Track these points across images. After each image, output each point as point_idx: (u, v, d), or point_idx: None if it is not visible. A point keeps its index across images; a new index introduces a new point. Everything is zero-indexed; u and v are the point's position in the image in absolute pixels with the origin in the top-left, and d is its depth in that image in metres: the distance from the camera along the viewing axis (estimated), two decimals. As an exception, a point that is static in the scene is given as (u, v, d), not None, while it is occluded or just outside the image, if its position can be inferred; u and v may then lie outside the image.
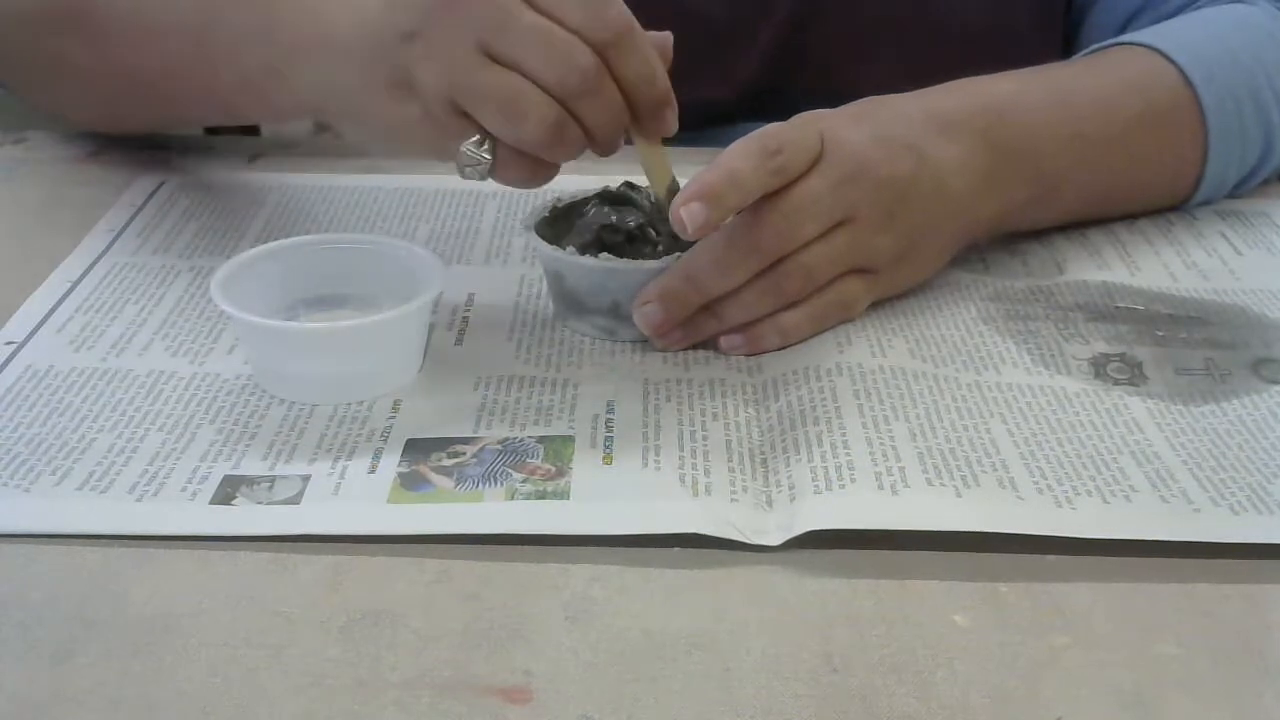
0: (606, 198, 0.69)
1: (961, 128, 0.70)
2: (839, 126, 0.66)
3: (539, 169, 0.62)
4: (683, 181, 0.63)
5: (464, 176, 0.61)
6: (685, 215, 0.61)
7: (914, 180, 0.67)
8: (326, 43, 0.64)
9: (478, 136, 0.60)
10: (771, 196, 0.63)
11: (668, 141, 0.64)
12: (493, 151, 0.61)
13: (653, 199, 0.67)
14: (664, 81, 0.61)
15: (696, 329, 0.66)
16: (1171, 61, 0.78)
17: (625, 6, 0.59)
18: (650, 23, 0.61)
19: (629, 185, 0.69)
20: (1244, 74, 0.79)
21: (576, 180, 0.70)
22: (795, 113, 0.67)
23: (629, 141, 0.64)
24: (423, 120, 0.61)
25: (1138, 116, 0.77)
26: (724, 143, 0.64)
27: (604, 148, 0.62)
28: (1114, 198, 0.79)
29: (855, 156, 0.65)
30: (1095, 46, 0.82)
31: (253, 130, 1.18)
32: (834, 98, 0.70)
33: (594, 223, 0.67)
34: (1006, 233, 0.76)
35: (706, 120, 0.93)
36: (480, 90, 0.59)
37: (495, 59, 0.58)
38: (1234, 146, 0.79)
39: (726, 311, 0.65)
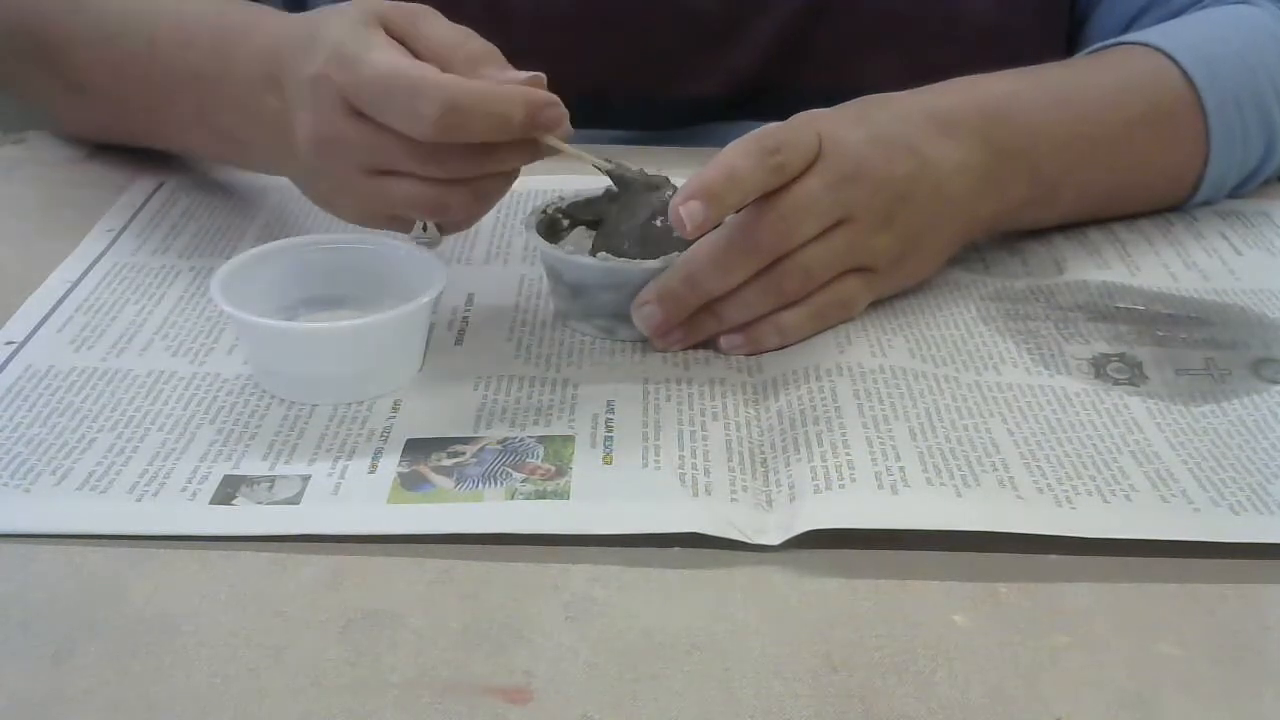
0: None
1: (960, 127, 0.70)
2: (837, 126, 0.66)
3: (478, 208, 0.64)
4: (681, 183, 0.63)
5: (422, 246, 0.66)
6: (684, 214, 0.61)
7: (913, 180, 0.67)
8: (279, 162, 0.69)
9: (415, 222, 0.65)
10: (770, 196, 0.63)
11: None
12: (436, 226, 0.65)
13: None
14: (517, 109, 0.60)
15: (696, 329, 0.66)
16: (1174, 61, 0.77)
17: (442, 94, 0.58)
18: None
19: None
20: (1246, 75, 0.79)
21: (577, 180, 0.70)
22: (791, 110, 0.67)
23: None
24: (365, 224, 0.66)
25: (1139, 116, 0.77)
26: (718, 139, 0.64)
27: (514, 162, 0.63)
28: (1114, 198, 0.79)
29: (854, 156, 0.65)
30: (1097, 46, 0.82)
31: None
32: (832, 96, 0.70)
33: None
34: (1006, 232, 0.76)
35: (700, 116, 0.93)
36: (388, 204, 0.63)
37: (379, 171, 0.62)
38: (1235, 148, 0.79)
39: (726, 311, 0.65)
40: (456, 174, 0.61)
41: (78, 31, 0.79)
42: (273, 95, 0.65)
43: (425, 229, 0.64)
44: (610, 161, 0.67)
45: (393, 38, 0.61)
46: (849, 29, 0.91)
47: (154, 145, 0.83)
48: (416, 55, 0.61)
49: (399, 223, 0.65)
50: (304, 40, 0.63)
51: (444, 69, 0.60)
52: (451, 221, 0.65)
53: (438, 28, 0.63)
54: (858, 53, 0.90)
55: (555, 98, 0.61)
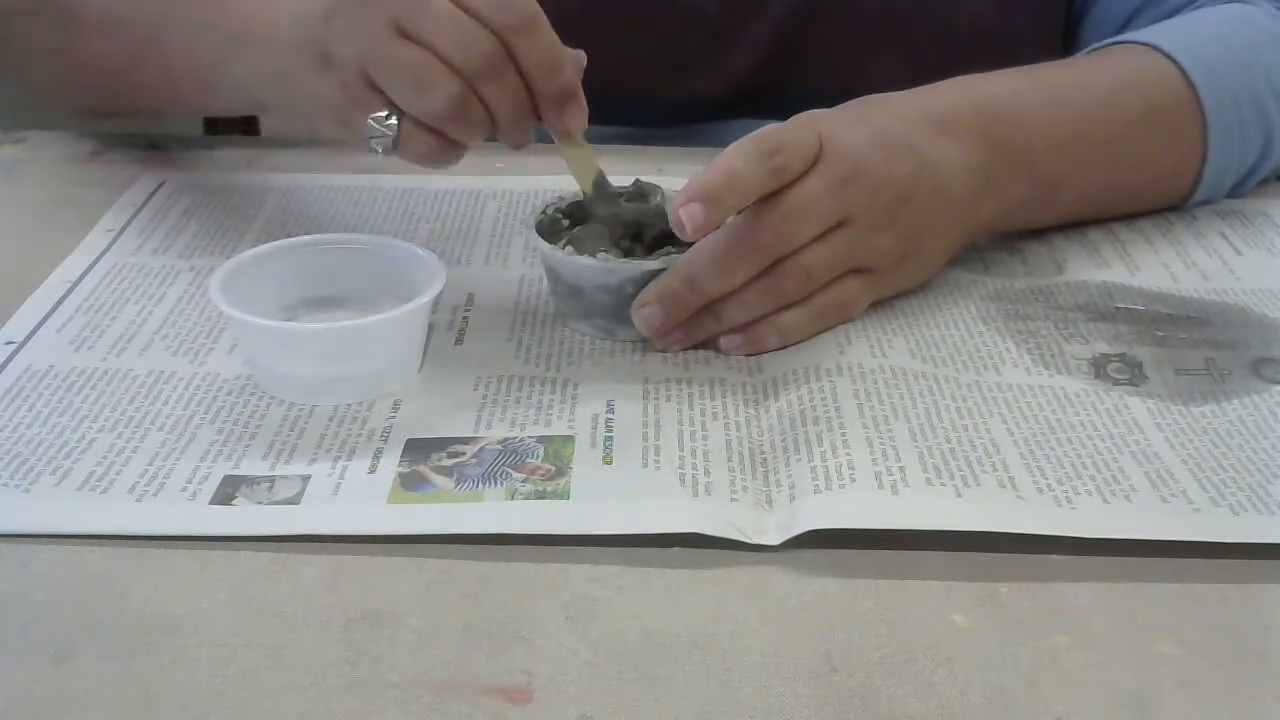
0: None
1: (959, 127, 0.70)
2: (837, 127, 0.66)
3: (444, 146, 0.63)
4: (678, 182, 0.63)
5: (370, 150, 0.63)
6: (684, 216, 0.61)
7: (913, 180, 0.67)
8: (265, 32, 0.69)
9: (385, 111, 0.62)
10: (770, 197, 0.63)
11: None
12: (398, 125, 0.63)
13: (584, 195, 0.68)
14: (568, 76, 0.62)
15: (696, 330, 0.66)
16: (1172, 61, 0.77)
17: (534, 2, 0.61)
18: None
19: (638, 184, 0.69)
20: (1244, 74, 0.79)
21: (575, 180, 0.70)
22: (790, 110, 0.67)
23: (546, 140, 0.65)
24: (340, 91, 0.63)
25: (1138, 116, 0.77)
26: (716, 139, 0.65)
27: (508, 134, 0.64)
28: (1113, 197, 0.79)
29: (854, 157, 0.65)
30: (1096, 45, 0.82)
31: (253, 130, 1.18)
32: (830, 96, 0.70)
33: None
34: (1006, 232, 0.76)
35: (699, 116, 0.93)
36: (390, 62, 0.61)
37: (406, 36, 0.61)
38: (1233, 147, 0.79)
39: (726, 312, 0.65)
40: (474, 70, 0.61)
41: None
42: None
43: (388, 117, 0.62)
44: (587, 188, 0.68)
45: None
46: (847, 29, 0.91)
47: (136, 81, 0.80)
48: None
49: (364, 111, 0.63)
50: None
51: None
52: (418, 139, 0.63)
53: None
54: (856, 53, 0.90)
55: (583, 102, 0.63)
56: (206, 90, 0.75)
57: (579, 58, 0.64)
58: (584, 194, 0.67)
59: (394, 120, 0.62)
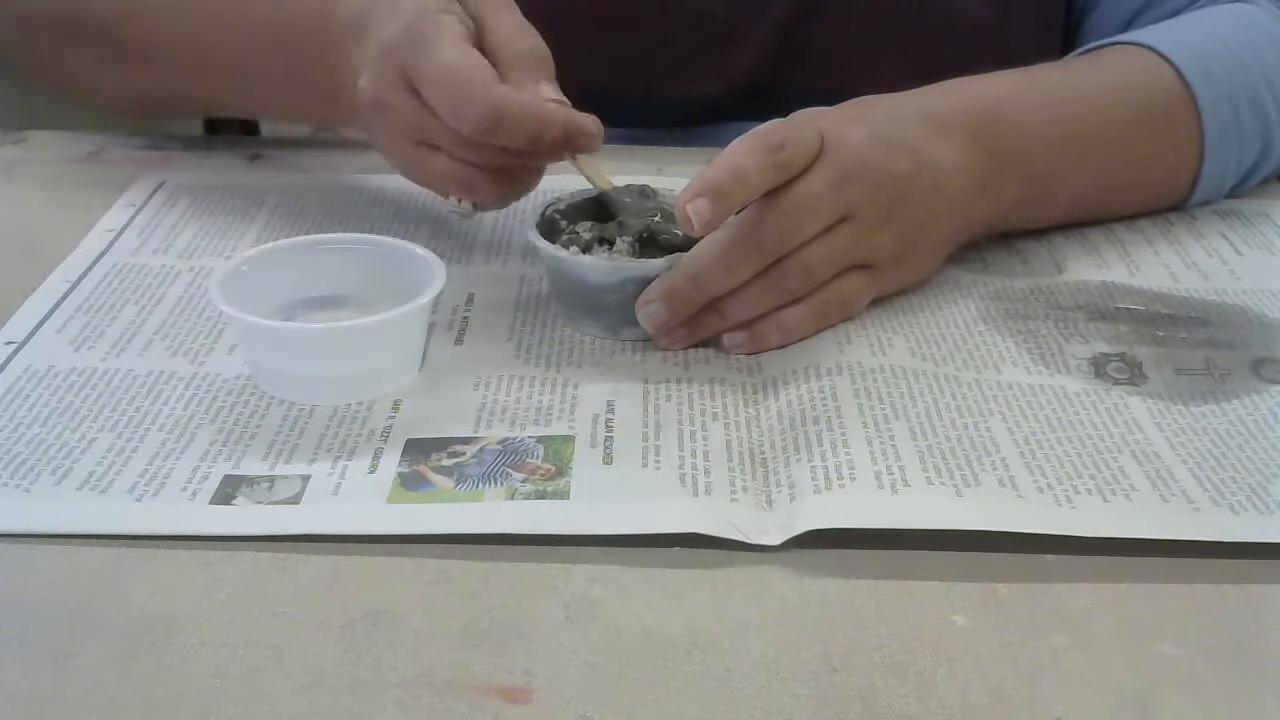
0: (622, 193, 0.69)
1: (954, 128, 0.70)
2: (838, 125, 0.66)
3: (507, 193, 0.70)
4: (679, 182, 0.63)
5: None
6: (691, 212, 0.61)
7: (912, 178, 0.67)
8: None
9: (451, 199, 0.70)
10: (773, 195, 0.63)
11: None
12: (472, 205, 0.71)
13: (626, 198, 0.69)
14: (555, 128, 0.65)
15: (699, 327, 0.66)
16: (1168, 61, 0.77)
17: (489, 104, 0.63)
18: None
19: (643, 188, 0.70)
20: (1242, 73, 0.78)
21: (576, 181, 0.70)
22: (789, 111, 0.67)
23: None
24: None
25: (1133, 117, 0.77)
26: (716, 139, 0.65)
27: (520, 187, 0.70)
28: (1109, 198, 0.79)
29: (855, 154, 0.65)
30: (1091, 45, 0.82)
31: (253, 130, 1.18)
32: (831, 96, 0.70)
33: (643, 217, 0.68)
34: (1002, 232, 0.76)
35: (698, 116, 0.93)
36: (432, 177, 0.70)
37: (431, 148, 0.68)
38: (1231, 147, 0.79)
39: (729, 309, 0.65)
40: (488, 163, 0.67)
41: (144, 3, 0.80)
42: (358, 47, 0.69)
43: (459, 202, 0.69)
44: (614, 188, 0.69)
45: (468, 15, 0.67)
46: (846, 30, 0.91)
47: (223, 109, 0.87)
48: (481, 44, 0.67)
49: (438, 188, 0.70)
50: (388, 5, 0.67)
51: (494, 65, 0.65)
52: (481, 202, 0.70)
53: (503, 22, 0.68)
54: (854, 53, 0.90)
55: (593, 124, 0.66)
56: (293, 110, 0.81)
57: (545, 60, 0.67)
58: (605, 191, 0.69)
59: (462, 200, 0.70)
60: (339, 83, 0.71)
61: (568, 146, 0.66)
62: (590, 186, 0.69)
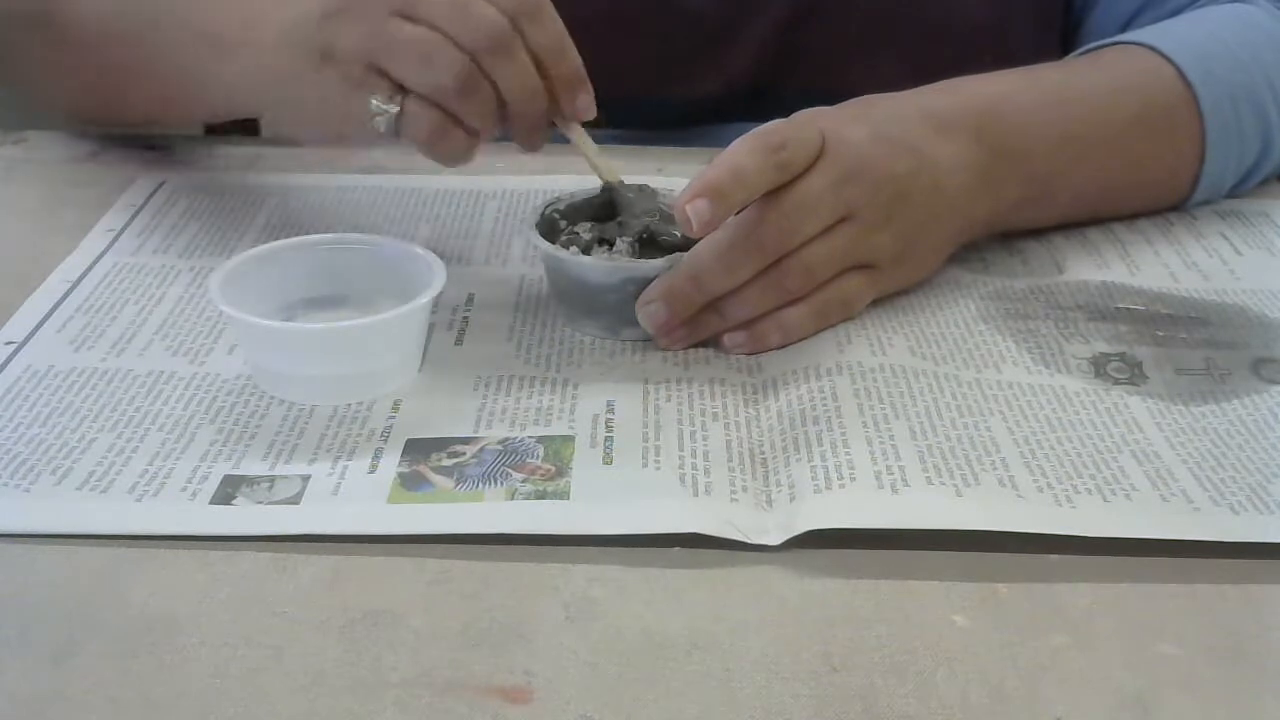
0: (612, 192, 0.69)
1: (955, 128, 0.70)
2: (839, 124, 0.66)
3: (447, 129, 0.64)
4: (679, 182, 0.63)
5: (371, 128, 0.64)
6: (691, 212, 0.61)
7: (913, 178, 0.67)
8: (256, 36, 0.69)
9: (387, 92, 0.63)
10: (773, 194, 0.63)
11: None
12: (400, 103, 0.63)
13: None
14: (575, 60, 0.64)
15: (700, 327, 0.66)
16: (1169, 60, 0.77)
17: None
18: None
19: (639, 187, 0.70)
20: (1242, 73, 0.78)
21: (576, 181, 0.70)
22: (787, 111, 0.67)
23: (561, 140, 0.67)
24: (341, 82, 0.64)
25: (1134, 117, 0.77)
26: (714, 140, 0.65)
27: (520, 120, 0.65)
28: (1110, 198, 0.79)
29: (856, 154, 0.65)
30: (1092, 45, 0.82)
31: (253, 130, 1.18)
32: (828, 96, 0.70)
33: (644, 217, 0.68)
34: (1002, 232, 0.76)
35: (696, 117, 0.93)
36: (397, 41, 0.63)
37: (411, 20, 0.62)
38: (1232, 147, 0.79)
39: (729, 309, 0.65)
40: (480, 45, 0.62)
41: None
42: None
43: (387, 107, 0.63)
44: (615, 178, 0.69)
45: None
46: (843, 30, 0.91)
47: (129, 91, 0.82)
48: None
49: (366, 95, 0.64)
50: None
51: None
52: (421, 116, 0.63)
53: None
54: (853, 54, 0.90)
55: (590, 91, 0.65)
56: (197, 99, 0.77)
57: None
58: (611, 185, 0.69)
59: (397, 100, 0.63)
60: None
61: (576, 86, 0.65)
62: (590, 185, 0.70)
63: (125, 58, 0.78)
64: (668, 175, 0.79)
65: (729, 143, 0.64)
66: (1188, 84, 0.77)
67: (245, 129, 1.17)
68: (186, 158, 0.88)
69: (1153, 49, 0.78)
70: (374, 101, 0.63)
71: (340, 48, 0.64)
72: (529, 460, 0.57)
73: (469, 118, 0.63)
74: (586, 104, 0.66)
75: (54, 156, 0.88)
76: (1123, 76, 0.78)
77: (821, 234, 0.65)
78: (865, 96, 0.70)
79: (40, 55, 0.83)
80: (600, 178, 0.69)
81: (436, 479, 0.56)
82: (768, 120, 0.65)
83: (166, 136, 0.91)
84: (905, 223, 0.67)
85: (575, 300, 0.67)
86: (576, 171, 0.67)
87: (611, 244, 0.67)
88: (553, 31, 0.64)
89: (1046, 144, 0.73)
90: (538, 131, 0.66)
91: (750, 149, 0.63)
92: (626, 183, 0.69)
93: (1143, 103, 0.77)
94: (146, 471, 0.57)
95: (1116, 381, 0.64)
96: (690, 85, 0.92)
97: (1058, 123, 0.74)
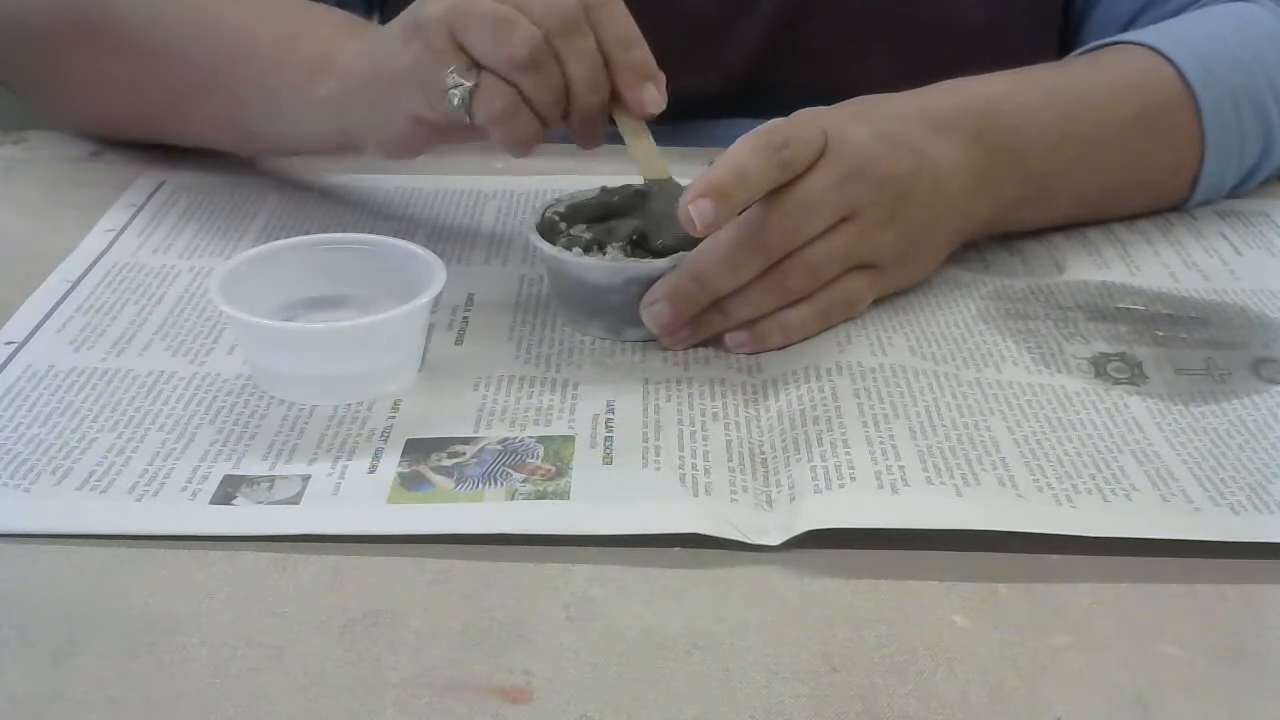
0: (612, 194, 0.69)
1: (955, 128, 0.70)
2: (841, 124, 0.66)
3: (518, 109, 0.64)
4: (681, 181, 0.63)
5: (446, 105, 0.64)
6: (694, 212, 0.61)
7: (914, 178, 0.67)
8: (347, 58, 0.71)
9: (465, 66, 0.64)
10: (776, 194, 0.63)
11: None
12: (477, 78, 0.64)
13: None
14: (644, 52, 0.64)
15: (703, 326, 0.66)
16: (1168, 60, 0.77)
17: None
18: (637, 15, 0.63)
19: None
20: (1243, 73, 0.78)
21: (576, 180, 0.70)
22: (783, 108, 0.67)
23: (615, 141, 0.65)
24: (424, 52, 0.65)
25: (1133, 117, 0.77)
26: (710, 136, 0.65)
27: (580, 110, 0.65)
28: (1110, 199, 0.79)
29: (858, 153, 0.65)
30: (1091, 45, 0.82)
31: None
32: (824, 93, 0.70)
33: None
34: (1002, 232, 0.76)
35: (692, 113, 0.93)
36: (475, 12, 0.63)
37: None
38: (1232, 147, 0.79)
39: (732, 309, 0.65)
40: (553, 24, 0.63)
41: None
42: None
43: (463, 79, 0.64)
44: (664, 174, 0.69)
45: None
46: (839, 27, 0.91)
47: (197, 114, 0.82)
48: None
49: (444, 66, 0.64)
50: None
51: None
52: (494, 91, 0.64)
53: None
54: (849, 50, 0.90)
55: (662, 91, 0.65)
56: (280, 119, 0.76)
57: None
58: (654, 176, 0.68)
59: (473, 74, 0.64)
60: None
61: (641, 78, 0.65)
62: (589, 186, 0.69)
63: (199, 78, 0.78)
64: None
65: (725, 139, 0.63)
66: (1187, 84, 0.77)
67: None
68: (186, 158, 0.88)
69: (1152, 49, 0.78)
70: (450, 74, 0.64)
71: (426, 16, 0.65)
72: (529, 460, 0.57)
73: (537, 94, 0.64)
74: (654, 97, 0.65)
75: (54, 156, 0.88)
76: (1122, 77, 0.78)
77: (824, 233, 0.65)
78: (865, 96, 0.70)
79: (89, 69, 0.83)
80: (644, 174, 0.68)
81: (436, 479, 0.56)
82: (764, 116, 0.65)
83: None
84: (907, 222, 0.67)
85: (578, 302, 0.67)
86: (577, 172, 0.67)
87: (603, 248, 0.67)
88: (622, 22, 0.64)
89: (1046, 144, 0.73)
90: (597, 125, 0.67)
91: (753, 148, 0.63)
92: (619, 186, 0.69)
93: (1142, 103, 0.77)
94: (146, 471, 0.57)
95: (1116, 381, 0.64)
96: (686, 81, 0.92)
97: (1057, 123, 0.74)
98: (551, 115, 0.65)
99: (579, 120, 0.66)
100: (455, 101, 0.64)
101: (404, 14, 0.67)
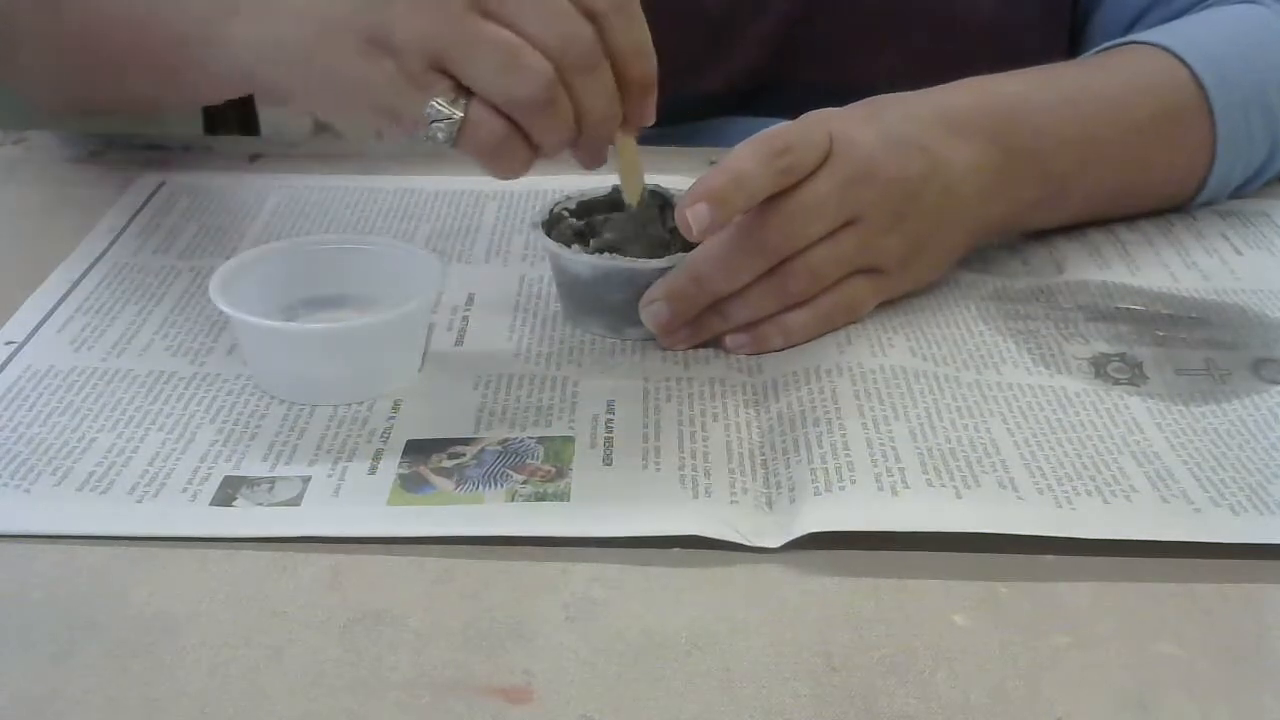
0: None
1: (971, 128, 0.69)
2: (848, 126, 0.66)
3: (513, 143, 0.58)
4: (683, 181, 0.63)
5: (427, 136, 0.57)
6: (690, 217, 0.61)
7: (924, 180, 0.67)
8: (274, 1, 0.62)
9: (450, 95, 0.57)
10: (777, 197, 0.63)
11: (651, 139, 0.64)
12: (465, 109, 0.57)
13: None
14: (653, 64, 0.59)
15: (703, 328, 0.66)
16: (1182, 62, 0.77)
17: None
18: (648, 15, 0.61)
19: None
20: (1253, 76, 0.78)
21: (577, 181, 0.70)
22: (792, 107, 0.67)
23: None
24: (395, 76, 0.57)
25: (1148, 118, 0.76)
26: (719, 137, 0.64)
27: (592, 140, 0.60)
28: (1121, 198, 0.79)
29: (864, 156, 0.65)
30: (1105, 45, 0.81)
31: (252, 130, 1.18)
32: (835, 91, 0.70)
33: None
34: (1015, 234, 0.76)
35: (702, 113, 0.93)
36: (473, 41, 0.56)
37: (490, 18, 0.56)
38: (1241, 149, 0.79)
39: (732, 310, 0.65)
40: (570, 59, 0.56)
41: None
42: None
43: (450, 112, 0.57)
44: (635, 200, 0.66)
45: None
46: (848, 25, 0.91)
47: (123, 57, 0.75)
48: None
49: (423, 95, 0.57)
50: None
51: None
52: (486, 125, 0.57)
53: None
54: (857, 49, 0.90)
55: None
56: (197, 63, 0.67)
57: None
58: (628, 204, 0.66)
59: (461, 105, 0.57)
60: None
61: (647, 92, 0.59)
62: (598, 186, 0.69)
63: (127, 39, 0.72)
64: (669, 174, 0.78)
65: (736, 138, 0.63)
66: (1201, 86, 0.77)
67: (245, 128, 1.17)
68: (186, 158, 0.88)
69: (1166, 50, 0.78)
70: (435, 105, 0.57)
71: (400, 39, 0.56)
72: (529, 461, 0.57)
73: (542, 134, 0.58)
74: (649, 110, 0.61)
75: (54, 156, 0.88)
76: (1138, 77, 0.78)
77: (826, 237, 0.65)
78: (879, 96, 0.70)
79: (34, 29, 0.79)
80: (624, 191, 0.66)
81: (437, 481, 0.56)
82: (772, 117, 0.65)
83: (166, 136, 0.91)
84: (914, 226, 0.67)
85: (579, 298, 0.67)
86: (575, 171, 0.66)
87: (586, 241, 0.67)
88: (638, 31, 0.58)
89: (1061, 144, 0.73)
90: (603, 150, 0.62)
91: (753, 154, 0.62)
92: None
93: (1157, 104, 0.77)
94: (146, 472, 0.57)
95: (1117, 382, 0.64)
96: (695, 82, 0.92)
97: (1074, 122, 0.74)
98: (555, 150, 0.60)
99: (584, 147, 0.61)
100: (440, 136, 0.57)
101: (346, 8, 0.58)
